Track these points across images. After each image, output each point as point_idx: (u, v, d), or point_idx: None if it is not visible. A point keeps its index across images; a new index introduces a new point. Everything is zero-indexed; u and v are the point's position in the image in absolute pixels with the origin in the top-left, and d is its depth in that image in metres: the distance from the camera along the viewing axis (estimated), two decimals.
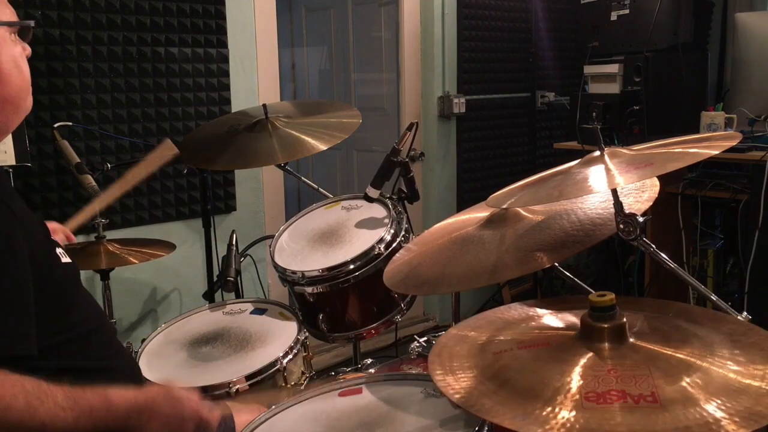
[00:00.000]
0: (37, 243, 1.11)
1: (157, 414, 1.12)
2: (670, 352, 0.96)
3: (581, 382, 0.91)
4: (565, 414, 0.86)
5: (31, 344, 1.05)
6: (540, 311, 1.19)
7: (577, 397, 0.89)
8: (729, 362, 0.93)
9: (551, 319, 1.15)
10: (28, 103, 1.16)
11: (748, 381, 0.89)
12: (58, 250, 1.23)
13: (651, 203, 1.29)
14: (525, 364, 0.99)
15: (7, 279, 1.02)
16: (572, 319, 1.11)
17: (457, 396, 0.96)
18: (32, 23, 1.17)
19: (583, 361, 0.96)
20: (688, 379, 0.89)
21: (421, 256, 1.46)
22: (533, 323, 1.15)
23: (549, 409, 0.88)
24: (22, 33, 1.15)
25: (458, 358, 1.06)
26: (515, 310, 1.22)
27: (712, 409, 0.84)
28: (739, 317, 1.16)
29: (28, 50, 1.16)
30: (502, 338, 1.10)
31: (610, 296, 1.00)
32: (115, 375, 1.24)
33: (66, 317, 1.17)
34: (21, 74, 1.12)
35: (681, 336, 1.01)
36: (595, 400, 0.87)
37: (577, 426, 0.84)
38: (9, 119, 1.12)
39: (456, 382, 0.99)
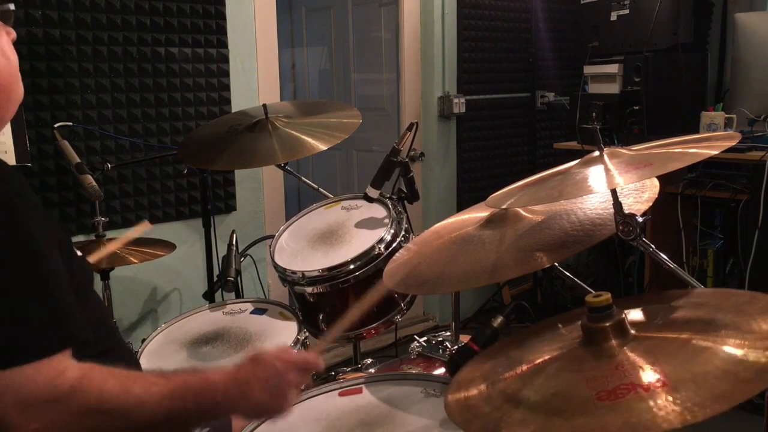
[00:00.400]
0: (59, 233, 1.11)
1: (255, 379, 1.10)
2: (673, 336, 0.96)
3: (591, 384, 0.91)
4: (582, 420, 0.86)
5: (87, 330, 1.03)
6: (536, 338, 1.19)
7: (590, 399, 0.89)
8: (733, 334, 0.93)
9: (551, 335, 1.15)
10: (19, 91, 1.13)
11: (754, 349, 0.89)
12: None
13: (651, 203, 1.29)
14: (535, 381, 0.99)
15: (55, 267, 1.01)
16: (571, 333, 1.11)
17: (475, 426, 0.96)
18: (11, 6, 1.15)
19: (586, 365, 0.96)
20: (695, 359, 0.90)
21: (421, 256, 1.46)
22: (536, 341, 1.14)
23: (566, 418, 0.88)
24: (4, 18, 1.14)
25: (471, 389, 1.05)
26: (514, 340, 1.21)
27: (720, 381, 0.84)
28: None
29: (13, 34, 1.13)
30: (509, 363, 1.09)
31: (606, 296, 1.00)
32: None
33: (83, 309, 1.17)
34: (8, 61, 1.10)
35: (682, 320, 1.01)
36: (607, 398, 0.88)
37: (598, 428, 0.84)
38: (3, 108, 1.11)
39: (470, 413, 0.99)
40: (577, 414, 0.88)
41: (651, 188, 1.34)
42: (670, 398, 0.84)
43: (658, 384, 0.87)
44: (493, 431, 0.93)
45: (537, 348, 1.11)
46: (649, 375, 0.89)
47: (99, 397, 0.96)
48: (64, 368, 0.94)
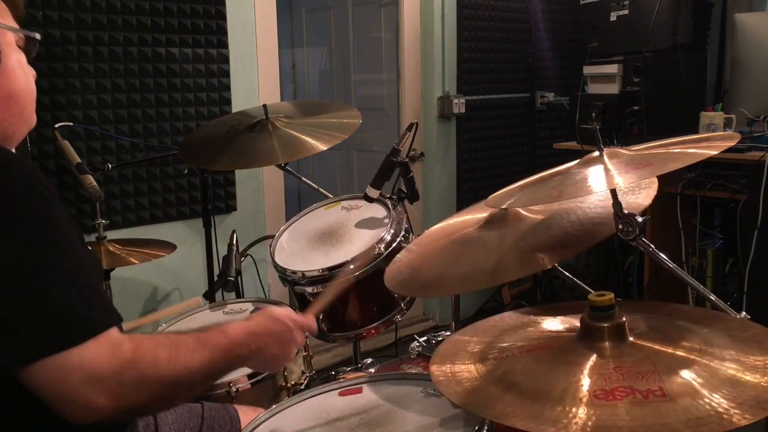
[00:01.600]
0: (75, 224, 1.13)
1: (271, 333, 1.21)
2: (670, 350, 0.97)
3: (588, 381, 0.92)
4: (577, 412, 0.87)
5: (116, 311, 1.07)
6: (537, 317, 1.20)
7: (586, 395, 0.89)
8: (728, 356, 0.94)
9: (549, 323, 1.16)
10: (32, 115, 1.15)
11: (748, 372, 0.90)
12: None
13: (649, 201, 1.29)
14: (529, 367, 0.99)
15: (82, 251, 1.03)
16: (570, 321, 1.12)
17: (463, 400, 0.96)
18: (38, 35, 1.17)
19: (586, 360, 0.97)
20: (691, 374, 0.90)
21: (422, 258, 1.47)
22: (532, 328, 1.15)
23: (560, 408, 0.88)
24: (28, 47, 1.16)
25: (460, 365, 1.06)
26: (512, 318, 1.22)
27: (719, 400, 0.85)
28: (738, 317, 1.17)
29: (33, 73, 1.16)
30: (502, 344, 1.10)
31: (609, 296, 1.01)
32: None
33: None
34: (26, 76, 1.12)
35: (679, 334, 1.02)
36: (604, 397, 0.88)
37: (590, 423, 0.85)
38: (14, 121, 1.11)
39: (460, 387, 1.00)
40: (575, 407, 0.88)
41: (650, 188, 1.35)
42: (667, 409, 0.84)
43: (657, 393, 0.87)
44: (484, 408, 0.93)
45: (531, 334, 1.11)
46: (648, 382, 0.89)
47: (153, 366, 0.99)
48: (122, 340, 0.98)
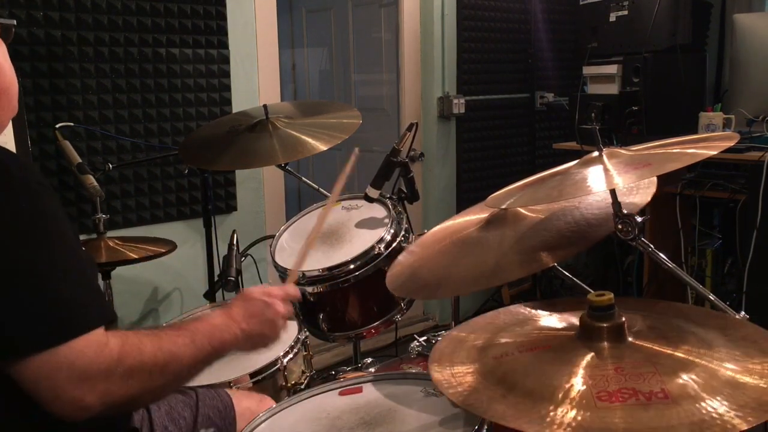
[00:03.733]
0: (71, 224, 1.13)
1: (250, 313, 1.24)
2: (669, 351, 0.97)
3: (590, 381, 0.92)
4: (581, 414, 0.87)
5: (111, 309, 1.08)
6: (536, 312, 1.20)
7: (589, 396, 0.89)
8: (727, 358, 0.94)
9: (548, 320, 1.16)
10: (15, 101, 1.16)
11: (747, 375, 0.90)
12: None
13: (648, 199, 1.30)
14: (529, 368, 0.99)
15: (77, 249, 1.05)
16: (569, 319, 1.12)
17: (464, 401, 0.96)
18: (14, 22, 1.19)
19: (586, 361, 0.97)
20: (691, 376, 0.90)
21: (423, 260, 1.47)
22: (530, 326, 1.15)
23: (563, 410, 0.88)
24: (4, 33, 1.16)
25: (459, 363, 1.06)
26: (511, 313, 1.22)
27: (721, 403, 0.85)
28: (737, 317, 1.17)
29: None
30: (501, 341, 1.10)
31: (609, 296, 1.01)
32: None
33: None
34: (11, 67, 1.13)
35: (678, 335, 1.02)
36: (608, 399, 0.88)
37: (595, 426, 0.85)
38: (4, 113, 1.13)
39: (460, 386, 1.00)
40: (577, 409, 0.88)
41: (649, 188, 1.35)
42: (671, 412, 0.84)
43: (660, 395, 0.87)
44: (485, 410, 0.93)
45: (529, 332, 1.11)
46: (650, 384, 0.89)
47: (140, 360, 1.01)
48: (107, 339, 0.99)
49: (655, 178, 1.33)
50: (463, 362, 1.06)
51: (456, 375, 1.03)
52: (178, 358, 1.07)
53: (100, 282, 2.24)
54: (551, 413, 0.88)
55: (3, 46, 1.13)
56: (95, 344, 0.97)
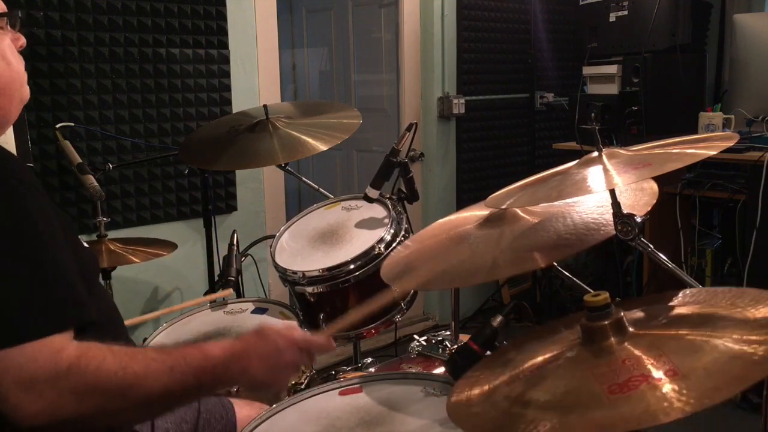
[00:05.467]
0: (63, 220, 1.12)
1: (255, 354, 1.10)
2: (672, 333, 0.97)
3: (600, 379, 0.92)
4: (598, 412, 0.87)
5: (90, 311, 1.03)
6: (534, 343, 1.19)
7: (602, 393, 0.89)
8: (730, 327, 0.94)
9: (546, 344, 1.15)
10: (24, 93, 1.14)
11: (753, 336, 0.90)
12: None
13: (648, 209, 1.30)
14: (540, 383, 0.99)
15: (58, 251, 1.02)
16: (569, 336, 1.11)
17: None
18: (19, 12, 1.17)
19: (595, 361, 0.97)
20: (698, 350, 0.91)
21: (418, 252, 1.47)
22: (531, 353, 1.14)
23: (581, 413, 0.88)
24: (11, 22, 1.15)
25: (477, 407, 1.04)
26: (511, 347, 1.21)
27: (733, 359, 0.86)
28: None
29: (22, 40, 1.15)
30: (510, 374, 1.08)
31: (604, 295, 1.01)
32: None
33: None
34: (9, 66, 1.11)
35: (679, 318, 1.02)
36: (620, 390, 0.88)
37: (617, 418, 0.84)
38: (5, 110, 1.12)
39: (486, 422, 0.99)
40: (592, 408, 0.88)
41: (649, 188, 1.35)
42: (684, 384, 0.85)
43: (670, 373, 0.87)
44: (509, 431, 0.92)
45: (535, 351, 1.11)
46: (658, 366, 0.90)
47: (96, 375, 0.95)
48: (63, 347, 0.94)
49: (656, 188, 1.33)
50: (480, 402, 1.04)
51: (476, 416, 1.01)
52: (147, 383, 0.98)
53: (101, 282, 2.24)
54: (570, 418, 0.88)
55: (4, 41, 1.11)
56: (48, 351, 0.92)
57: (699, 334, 0.95)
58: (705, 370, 0.86)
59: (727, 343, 0.90)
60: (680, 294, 1.12)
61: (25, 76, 1.15)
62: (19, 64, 1.14)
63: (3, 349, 0.91)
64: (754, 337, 0.90)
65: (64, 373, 0.93)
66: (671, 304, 1.09)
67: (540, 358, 1.06)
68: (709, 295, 1.09)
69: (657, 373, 0.88)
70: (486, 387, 1.07)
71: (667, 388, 0.85)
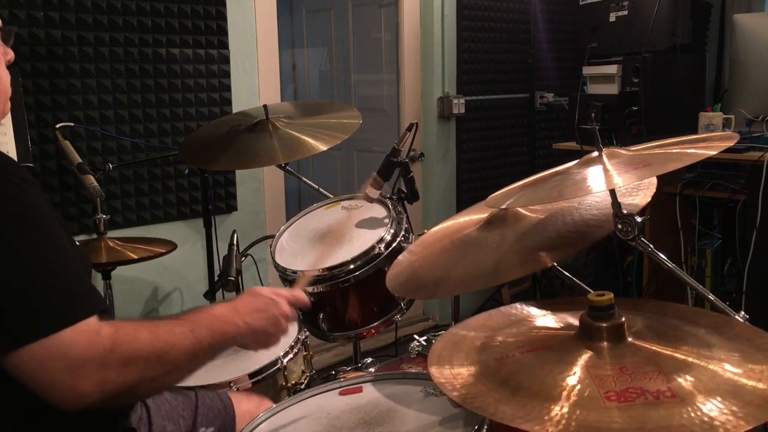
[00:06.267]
0: (63, 223, 1.14)
1: (255, 308, 1.23)
2: (669, 351, 0.97)
3: (596, 382, 0.92)
4: (592, 415, 0.86)
5: (102, 298, 1.09)
6: (532, 312, 1.19)
7: (597, 397, 0.89)
8: (726, 360, 0.94)
9: (545, 320, 1.15)
10: (6, 108, 1.17)
11: (747, 379, 0.90)
12: None
13: (648, 200, 1.30)
14: (532, 368, 0.98)
15: (65, 243, 1.05)
16: (567, 319, 1.11)
17: (470, 403, 0.95)
18: (15, 28, 1.19)
19: (588, 361, 0.96)
20: (694, 376, 0.90)
21: (423, 260, 1.47)
22: (526, 326, 1.14)
23: (570, 411, 0.87)
24: (4, 38, 1.16)
25: (459, 365, 1.05)
26: (507, 313, 1.21)
27: (725, 402, 0.85)
28: (736, 317, 1.18)
29: (10, 55, 1.17)
30: (499, 342, 1.09)
31: (609, 296, 1.01)
32: None
33: None
34: (5, 72, 1.13)
35: (676, 335, 1.02)
36: (617, 399, 0.88)
37: (606, 426, 0.84)
38: None
39: (464, 389, 0.98)
40: (587, 410, 0.87)
41: (649, 188, 1.35)
42: (682, 410, 0.84)
43: (668, 394, 0.87)
44: (495, 413, 0.91)
45: (527, 332, 1.11)
46: (656, 383, 0.89)
47: (136, 347, 1.02)
48: (100, 327, 1.00)
49: (654, 179, 1.34)
50: (463, 364, 1.05)
51: (457, 377, 1.02)
52: (177, 347, 1.06)
53: (100, 282, 2.24)
54: (558, 414, 0.87)
55: None
56: (87, 333, 0.98)
57: (695, 357, 0.95)
58: (704, 398, 0.85)
59: (726, 374, 0.90)
60: (684, 311, 1.12)
61: (9, 92, 1.17)
62: (6, 78, 1.16)
63: (43, 338, 0.94)
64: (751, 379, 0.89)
65: (108, 351, 0.98)
66: (672, 318, 1.09)
67: (532, 342, 1.06)
68: (711, 319, 1.08)
69: (654, 392, 0.88)
70: (473, 360, 1.06)
71: (663, 410, 0.85)
